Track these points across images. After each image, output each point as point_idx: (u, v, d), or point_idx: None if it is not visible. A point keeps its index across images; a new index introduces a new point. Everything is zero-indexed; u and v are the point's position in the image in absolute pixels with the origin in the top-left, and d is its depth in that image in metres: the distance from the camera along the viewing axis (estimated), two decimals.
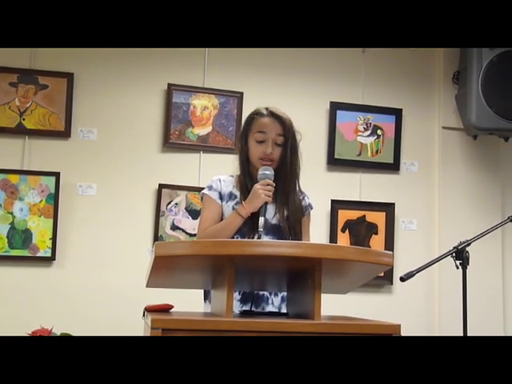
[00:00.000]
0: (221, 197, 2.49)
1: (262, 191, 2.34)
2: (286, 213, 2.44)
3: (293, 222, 2.44)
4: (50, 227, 3.68)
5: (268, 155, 2.43)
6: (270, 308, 2.39)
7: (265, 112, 2.48)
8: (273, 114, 2.47)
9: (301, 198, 2.54)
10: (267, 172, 2.40)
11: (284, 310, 2.38)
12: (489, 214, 4.15)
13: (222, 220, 2.47)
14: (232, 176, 2.56)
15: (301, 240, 2.45)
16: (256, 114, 2.49)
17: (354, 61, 4.24)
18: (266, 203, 2.34)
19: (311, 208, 2.60)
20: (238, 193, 2.49)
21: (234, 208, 2.44)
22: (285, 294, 2.40)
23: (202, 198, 2.56)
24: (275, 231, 2.43)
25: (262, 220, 2.28)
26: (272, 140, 2.43)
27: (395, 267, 3.83)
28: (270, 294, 2.41)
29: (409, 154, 4.26)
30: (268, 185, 2.37)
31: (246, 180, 2.47)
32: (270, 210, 2.41)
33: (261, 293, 2.39)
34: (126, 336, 1.67)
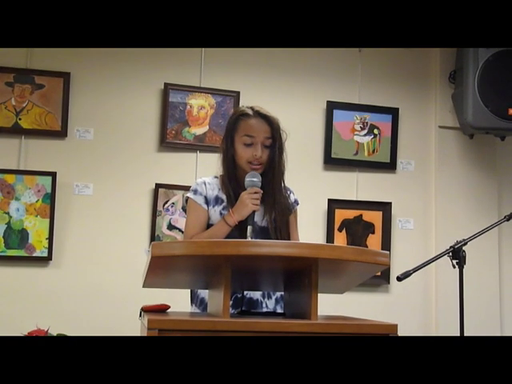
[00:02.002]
0: (207, 201, 2.44)
1: (250, 200, 2.30)
2: (273, 215, 2.41)
3: (279, 224, 2.41)
4: (47, 227, 3.67)
5: (257, 158, 2.38)
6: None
7: (251, 112, 2.42)
8: (260, 115, 2.42)
9: (286, 195, 2.49)
10: (255, 179, 2.35)
11: (279, 311, 2.37)
12: (485, 213, 4.15)
13: (207, 224, 2.43)
14: (216, 177, 2.50)
15: (288, 240, 2.43)
16: (242, 115, 2.43)
17: (351, 60, 4.24)
18: (254, 211, 2.31)
19: (297, 204, 2.57)
20: (224, 196, 2.43)
21: (221, 213, 2.40)
22: (279, 295, 2.40)
23: (186, 201, 2.50)
24: (264, 233, 2.39)
25: (249, 229, 2.25)
26: (260, 142, 2.39)
27: (392, 266, 3.84)
28: (264, 297, 2.39)
29: (405, 154, 4.27)
30: (255, 192, 2.32)
31: (232, 183, 2.42)
32: (259, 212, 2.37)
33: (254, 298, 2.37)
34: (123, 336, 1.66)
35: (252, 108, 2.44)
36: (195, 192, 2.46)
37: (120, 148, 3.88)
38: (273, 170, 2.42)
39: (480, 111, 3.94)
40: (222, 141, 2.53)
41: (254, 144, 2.39)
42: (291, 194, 2.55)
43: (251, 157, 2.39)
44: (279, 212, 2.42)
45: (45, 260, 3.67)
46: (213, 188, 2.47)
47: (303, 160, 4.00)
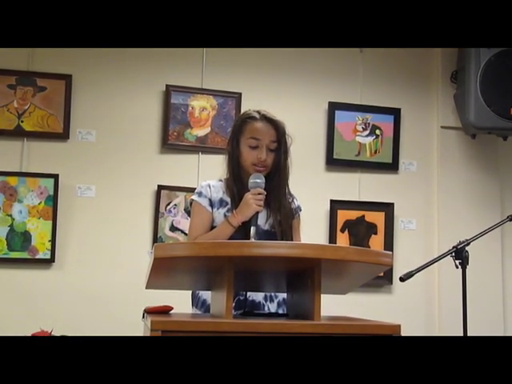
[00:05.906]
0: (211, 204, 2.45)
1: (253, 201, 2.31)
2: (278, 218, 2.42)
3: (284, 227, 2.42)
4: (49, 229, 3.68)
5: (262, 161, 2.40)
6: None
7: (257, 116, 2.44)
8: (266, 118, 2.43)
9: (290, 200, 2.51)
10: (258, 180, 2.36)
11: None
12: (488, 213, 4.15)
13: (211, 226, 2.44)
14: (221, 180, 2.51)
15: None
16: (248, 118, 2.45)
17: (352, 61, 4.24)
18: (258, 212, 2.31)
19: (300, 210, 2.58)
20: (228, 199, 2.45)
21: (225, 215, 2.41)
22: (281, 299, 2.41)
23: (190, 204, 2.51)
24: (268, 237, 2.39)
25: (253, 230, 2.26)
26: (266, 146, 2.40)
27: (395, 267, 3.83)
28: (266, 300, 2.39)
29: (407, 154, 4.26)
30: (259, 194, 2.33)
31: (237, 185, 2.43)
32: (262, 215, 2.38)
33: (256, 300, 2.37)
34: (127, 336, 1.66)
35: (258, 112, 2.46)
36: (200, 194, 2.47)
37: (122, 150, 3.88)
38: (278, 174, 2.44)
39: (482, 111, 3.93)
40: (227, 143, 2.55)
41: (260, 147, 2.41)
42: (294, 200, 2.56)
43: (256, 159, 2.40)
44: (284, 215, 2.43)
45: (47, 262, 3.68)
46: (217, 191, 2.48)
47: (305, 161, 4.00)
